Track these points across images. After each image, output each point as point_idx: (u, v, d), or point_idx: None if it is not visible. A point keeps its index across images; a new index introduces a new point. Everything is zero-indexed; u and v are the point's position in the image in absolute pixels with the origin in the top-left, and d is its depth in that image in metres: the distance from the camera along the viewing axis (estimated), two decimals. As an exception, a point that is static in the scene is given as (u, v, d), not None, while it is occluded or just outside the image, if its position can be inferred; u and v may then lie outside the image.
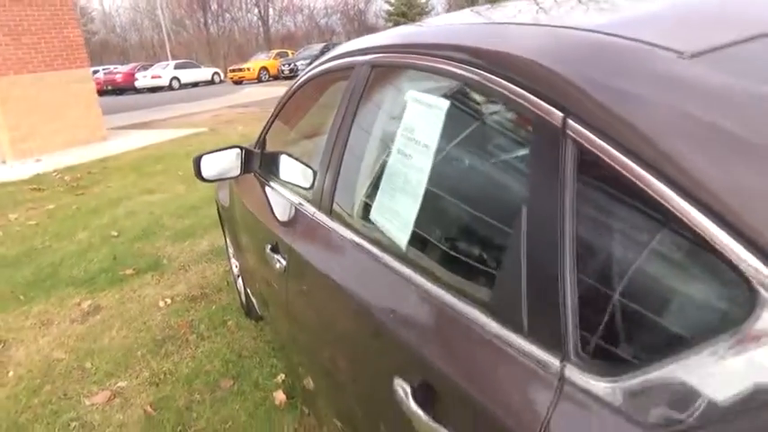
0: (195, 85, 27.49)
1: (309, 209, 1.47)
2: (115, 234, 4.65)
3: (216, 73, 29.42)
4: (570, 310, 0.63)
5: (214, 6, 46.37)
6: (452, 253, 0.92)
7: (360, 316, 1.07)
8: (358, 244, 1.14)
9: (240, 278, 2.91)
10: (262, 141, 2.21)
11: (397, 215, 1.02)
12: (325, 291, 1.28)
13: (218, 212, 3.15)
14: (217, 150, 2.06)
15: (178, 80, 26.83)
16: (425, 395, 0.79)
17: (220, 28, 47.40)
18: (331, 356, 1.32)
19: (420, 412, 0.77)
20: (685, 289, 0.56)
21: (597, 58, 0.68)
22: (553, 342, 0.64)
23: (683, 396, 0.50)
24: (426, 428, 0.76)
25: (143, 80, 26.95)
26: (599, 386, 0.58)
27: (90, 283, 3.70)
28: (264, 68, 26.25)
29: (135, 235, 4.58)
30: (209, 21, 46.94)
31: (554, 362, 0.63)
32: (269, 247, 1.68)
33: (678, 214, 0.53)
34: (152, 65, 29.72)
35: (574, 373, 0.61)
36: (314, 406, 1.93)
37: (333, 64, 1.54)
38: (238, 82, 26.14)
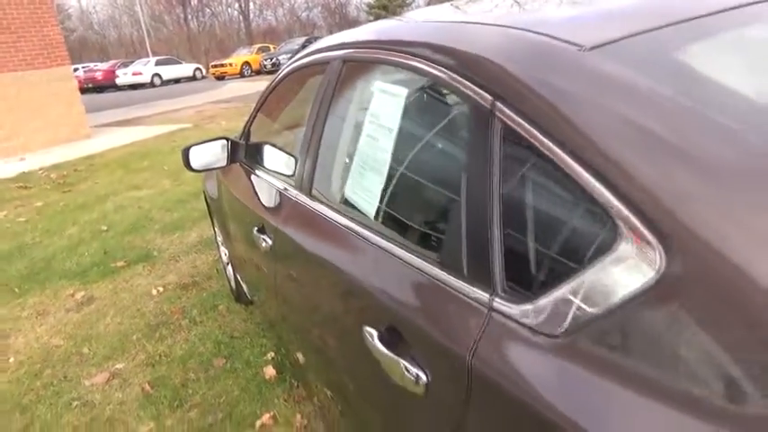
0: (177, 81, 27.35)
1: (292, 192, 1.62)
2: (105, 228, 4.76)
3: (198, 69, 29.28)
4: (497, 256, 0.79)
5: (194, 1, 46.00)
6: (410, 217, 1.09)
7: (334, 278, 1.24)
8: (334, 219, 1.30)
9: (229, 265, 3.05)
10: (246, 133, 2.35)
11: (367, 190, 1.18)
12: (305, 262, 1.45)
13: (206, 203, 3.29)
14: (204, 142, 2.20)
15: (159, 77, 26.69)
16: (389, 337, 0.95)
17: (201, 23, 47.03)
18: (315, 325, 1.48)
19: (384, 350, 0.93)
20: (575, 235, 0.73)
21: (519, 53, 0.84)
22: (485, 282, 0.81)
23: (570, 308, 0.67)
24: (390, 362, 0.93)
25: (124, 77, 26.77)
26: (515, 310, 0.74)
27: (82, 275, 3.82)
28: (247, 63, 26.19)
29: (124, 229, 4.69)
30: (189, 16, 46.56)
31: (485, 296, 0.80)
32: (255, 228, 1.83)
33: (571, 175, 0.69)
34: (132, 62, 29.51)
35: (499, 304, 0.77)
36: (303, 378, 2.09)
37: (310, 59, 1.69)
38: (221, 77, 26.06)
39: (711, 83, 0.73)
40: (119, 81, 26.79)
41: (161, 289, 3.43)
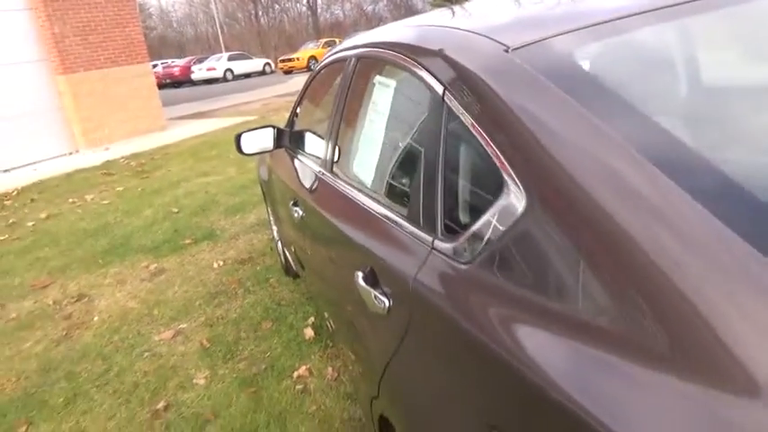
0: (248, 75, 28.49)
1: (320, 170, 1.91)
2: (176, 210, 5.27)
3: (267, 63, 30.35)
4: (439, 209, 1.04)
5: (264, -2, 47.51)
6: (389, 184, 1.35)
7: (340, 236, 1.51)
8: (345, 190, 1.58)
9: (279, 241, 3.40)
10: (290, 121, 2.67)
11: (367, 165, 1.45)
12: (322, 227, 1.73)
13: (261, 187, 3.65)
14: (254, 129, 2.53)
15: (231, 72, 27.88)
16: (368, 276, 1.22)
17: (271, 19, 48.53)
18: (331, 286, 1.76)
19: (363, 284, 1.20)
20: (485, 191, 0.96)
21: (461, 50, 1.07)
22: (432, 228, 1.05)
23: (476, 242, 0.91)
24: (367, 294, 1.19)
25: (199, 73, 28.15)
26: (448, 246, 0.99)
27: (155, 250, 4.30)
28: (313, 57, 26.89)
29: (192, 211, 5.17)
30: (260, 12, 48.15)
31: (429, 239, 1.04)
32: (291, 202, 2.13)
33: (485, 149, 0.93)
34: (207, 57, 30.96)
35: (438, 243, 1.02)
36: (335, 341, 2.39)
37: (335, 57, 1.97)
38: (288, 72, 26.93)
39: (600, 77, 0.94)
40: (194, 76, 28.22)
41: (221, 263, 3.84)
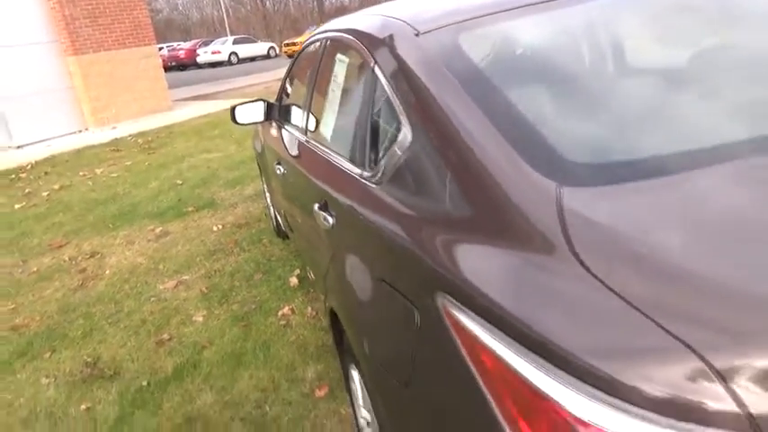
0: (252, 59, 28.74)
1: (300, 135, 2.30)
2: (180, 182, 5.67)
3: (272, 47, 30.59)
4: (368, 148, 1.42)
5: (270, -19, 47.51)
6: (341, 135, 1.74)
7: (307, 184, 1.90)
8: (314, 148, 1.97)
9: (271, 207, 3.80)
10: (279, 96, 3.05)
11: (329, 124, 1.83)
12: (297, 178, 2.12)
13: (256, 159, 4.04)
14: (247, 102, 2.92)
15: (236, 55, 28.14)
16: (322, 205, 1.61)
17: (276, 3, 48.61)
18: (306, 230, 2.15)
19: (318, 210, 1.59)
20: (393, 131, 1.34)
21: (388, 33, 1.45)
22: (363, 164, 1.44)
23: (385, 167, 1.29)
24: (319, 218, 1.58)
25: (204, 56, 28.41)
26: (369, 174, 1.37)
27: (161, 216, 4.70)
28: (317, 42, 27.05)
29: (195, 183, 5.57)
30: (266, -4, 48.20)
31: (359, 171, 1.43)
32: (275, 162, 2.53)
33: (393, 101, 1.30)
34: (212, 41, 31.20)
35: (364, 173, 1.40)
36: (315, 288, 2.79)
37: (312, 39, 2.35)
38: (292, 55, 27.07)
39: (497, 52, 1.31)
40: (199, 59, 28.49)
41: (220, 227, 4.24)
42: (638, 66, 1.48)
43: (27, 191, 6.15)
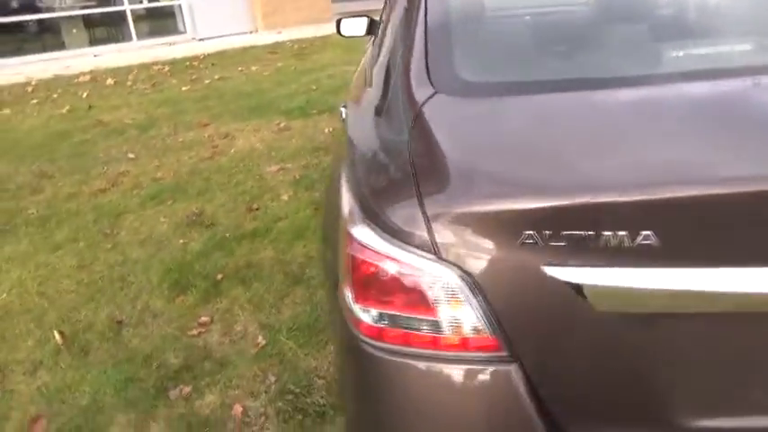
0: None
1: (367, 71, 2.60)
2: (314, 88, 6.25)
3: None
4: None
5: None
6: (376, 66, 2.01)
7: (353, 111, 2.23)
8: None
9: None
10: (381, 13, 3.33)
11: (377, 59, 2.12)
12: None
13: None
14: (353, 17, 3.25)
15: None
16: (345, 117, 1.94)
17: None
18: None
19: (343, 117, 1.92)
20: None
21: None
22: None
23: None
24: (342, 120, 1.92)
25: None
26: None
27: (288, 113, 5.32)
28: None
29: (326, 90, 6.12)
30: None
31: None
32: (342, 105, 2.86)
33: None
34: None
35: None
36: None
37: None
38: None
39: None
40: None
41: (331, 129, 4.74)
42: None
43: (194, 77, 7.18)
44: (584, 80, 1.10)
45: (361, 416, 1.10)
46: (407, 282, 0.91)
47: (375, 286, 0.94)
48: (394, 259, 0.91)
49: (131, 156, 4.46)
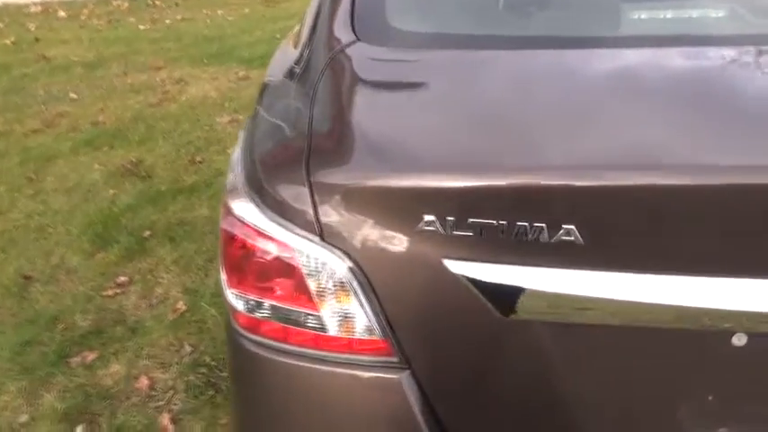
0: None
1: None
2: (278, 36, 5.92)
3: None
4: None
5: None
6: None
7: None
8: None
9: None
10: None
11: None
12: None
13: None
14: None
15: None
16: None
17: None
18: None
19: None
20: None
21: None
22: None
23: None
24: None
25: None
26: None
27: (249, 62, 5.02)
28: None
29: (293, 40, 5.80)
30: None
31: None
32: None
33: None
34: None
35: None
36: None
37: None
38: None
39: None
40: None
41: (292, 82, 4.48)
42: None
43: (155, 16, 6.75)
44: (530, 38, 0.93)
45: (239, 416, 0.95)
46: (285, 267, 0.75)
47: (249, 270, 0.78)
48: (271, 238, 0.75)
49: (73, 96, 4.14)
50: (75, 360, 1.77)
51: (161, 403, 1.63)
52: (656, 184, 0.63)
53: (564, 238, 0.64)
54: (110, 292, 2.07)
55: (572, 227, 0.64)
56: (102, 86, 4.34)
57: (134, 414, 1.59)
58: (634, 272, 0.66)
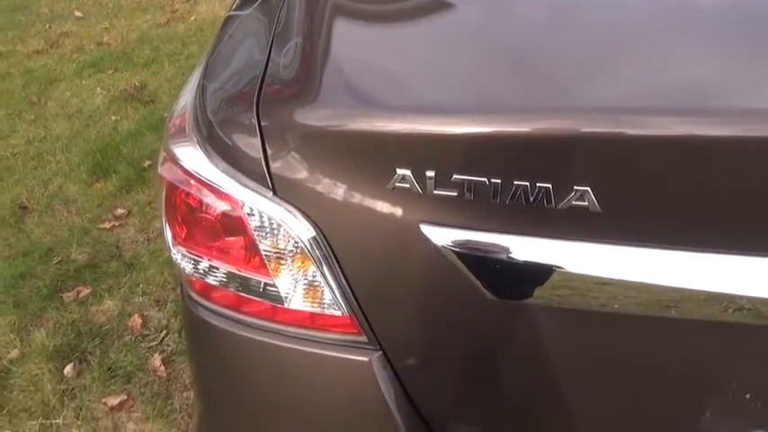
0: None
1: None
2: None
3: None
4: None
5: None
6: None
7: None
8: None
9: None
10: None
11: None
12: None
13: None
14: None
15: None
16: None
17: None
18: None
19: None
20: None
21: None
22: None
23: None
24: None
25: None
26: None
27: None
28: None
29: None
30: None
31: None
32: None
33: None
34: None
35: None
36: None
37: None
38: None
39: None
40: None
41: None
42: None
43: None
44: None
45: (197, 388, 0.86)
46: (233, 225, 0.62)
47: (195, 226, 0.65)
48: (216, 190, 0.61)
49: (78, 14, 3.95)
50: (69, 295, 1.72)
51: (153, 344, 1.58)
52: (701, 135, 0.47)
53: (575, 203, 0.49)
54: (107, 225, 2.00)
55: (587, 188, 0.49)
56: (108, 5, 4.13)
57: (125, 354, 1.54)
58: (665, 248, 0.51)
